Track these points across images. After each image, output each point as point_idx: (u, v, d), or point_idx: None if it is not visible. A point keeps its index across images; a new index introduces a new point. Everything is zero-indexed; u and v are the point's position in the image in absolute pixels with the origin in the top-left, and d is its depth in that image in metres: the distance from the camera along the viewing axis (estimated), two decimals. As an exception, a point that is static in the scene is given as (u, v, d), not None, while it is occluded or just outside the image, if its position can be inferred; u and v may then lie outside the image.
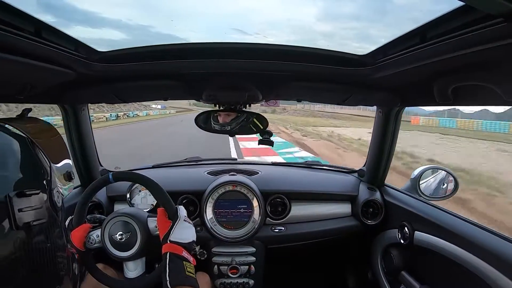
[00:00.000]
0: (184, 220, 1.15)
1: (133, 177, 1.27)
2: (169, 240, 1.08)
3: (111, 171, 1.89)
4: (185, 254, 1.07)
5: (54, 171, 0.70)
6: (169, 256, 1.04)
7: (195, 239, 1.16)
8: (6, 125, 0.62)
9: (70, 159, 0.88)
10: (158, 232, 1.15)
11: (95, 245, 1.19)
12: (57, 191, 0.66)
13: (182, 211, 1.18)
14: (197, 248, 1.18)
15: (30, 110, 0.92)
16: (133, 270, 1.19)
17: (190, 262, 1.07)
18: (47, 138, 0.81)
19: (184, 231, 1.13)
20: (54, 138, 0.88)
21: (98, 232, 1.19)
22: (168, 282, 0.99)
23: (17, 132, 0.62)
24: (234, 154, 10.10)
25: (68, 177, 0.82)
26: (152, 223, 1.18)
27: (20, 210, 0.52)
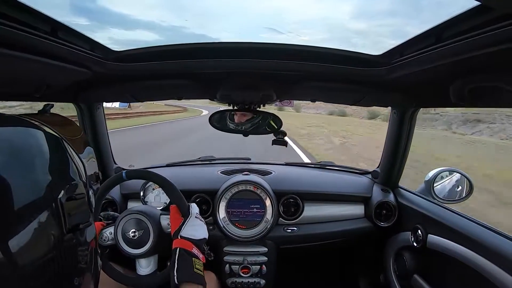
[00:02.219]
0: (196, 217, 1.16)
1: (146, 175, 1.28)
2: (180, 236, 1.08)
3: (125, 169, 1.93)
4: (195, 250, 1.07)
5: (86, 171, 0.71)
6: (178, 252, 1.05)
7: (206, 237, 1.16)
8: (43, 126, 0.61)
9: (95, 159, 0.87)
10: (170, 230, 1.16)
11: (108, 242, 1.20)
12: (92, 193, 0.67)
13: (194, 208, 1.19)
14: (205, 248, 1.19)
15: (52, 106, 0.95)
16: (145, 267, 1.21)
17: (200, 259, 1.07)
18: (72, 135, 0.82)
19: (196, 228, 1.13)
20: (79, 136, 0.88)
21: (111, 229, 1.21)
22: (175, 277, 1.00)
23: (52, 132, 0.62)
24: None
25: (96, 177, 0.82)
26: (164, 220, 1.20)
27: (70, 214, 0.52)
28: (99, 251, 1.19)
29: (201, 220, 1.18)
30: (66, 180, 0.56)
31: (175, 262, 1.03)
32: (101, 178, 0.83)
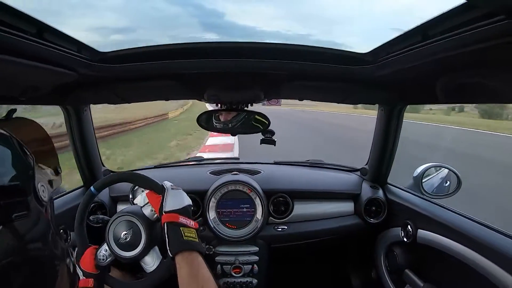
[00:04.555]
0: (172, 189, 1.14)
1: (113, 179, 1.23)
2: (164, 212, 1.07)
3: (113, 171, 1.90)
4: (182, 219, 1.05)
5: (40, 166, 0.72)
6: (166, 226, 1.03)
7: (190, 202, 1.15)
8: None
9: (56, 155, 0.89)
10: (156, 216, 1.14)
11: (107, 260, 1.15)
12: (42, 185, 0.67)
13: (167, 183, 1.17)
14: (203, 245, 1.17)
15: (15, 110, 0.93)
16: (151, 263, 1.14)
17: (189, 227, 1.05)
18: (34, 136, 0.85)
19: (175, 198, 1.11)
20: (43, 137, 0.90)
21: (104, 247, 1.16)
22: (169, 251, 0.99)
23: None
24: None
25: (55, 171, 0.83)
26: (146, 209, 1.16)
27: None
28: (103, 274, 1.15)
29: (177, 189, 1.16)
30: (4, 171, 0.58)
31: (165, 237, 1.02)
32: (60, 171, 0.84)
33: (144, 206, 1.19)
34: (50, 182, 0.75)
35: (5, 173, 0.58)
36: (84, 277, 1.11)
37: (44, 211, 0.64)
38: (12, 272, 0.53)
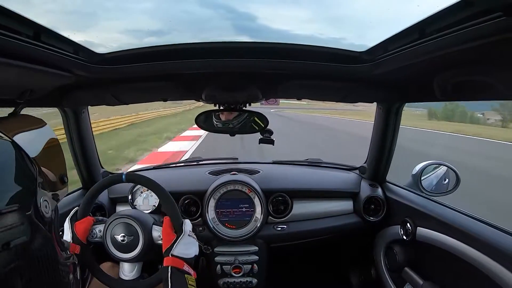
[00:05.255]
0: (189, 235, 1.17)
1: (145, 181, 1.26)
2: (171, 254, 1.09)
3: (112, 173, 1.90)
4: (186, 268, 1.09)
5: (43, 176, 0.65)
6: (170, 270, 1.06)
7: (197, 253, 1.18)
8: None
9: (63, 161, 0.82)
10: (160, 242, 1.16)
11: (96, 239, 1.20)
12: (45, 200, 0.61)
13: (187, 225, 1.19)
14: (201, 244, 1.20)
15: (23, 107, 0.92)
16: (128, 272, 1.20)
17: (191, 275, 1.09)
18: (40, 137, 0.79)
19: (188, 246, 1.14)
20: (50, 139, 0.85)
21: (101, 227, 1.20)
22: None
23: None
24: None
25: (61, 181, 0.76)
26: (156, 232, 1.19)
27: None
28: (88, 248, 1.18)
29: (193, 237, 1.19)
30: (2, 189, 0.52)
31: (168, 280, 1.04)
32: (66, 180, 0.78)
33: (155, 224, 1.22)
34: (55, 196, 0.69)
35: (2, 191, 0.52)
36: (73, 242, 1.14)
37: (46, 228, 0.59)
38: None
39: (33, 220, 0.56)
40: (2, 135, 0.58)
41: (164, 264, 1.08)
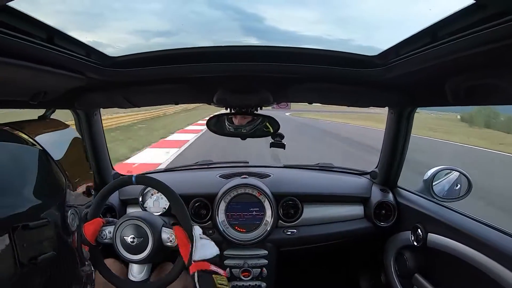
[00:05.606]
0: (201, 238, 1.18)
1: (155, 184, 1.28)
2: (194, 261, 1.11)
3: (122, 175, 1.92)
4: (213, 268, 1.10)
5: (71, 186, 0.62)
6: (197, 274, 1.08)
7: (218, 252, 1.19)
8: (21, 135, 0.54)
9: (90, 169, 0.78)
10: (169, 244, 1.19)
11: (106, 240, 1.21)
12: (72, 213, 0.59)
13: (197, 230, 1.21)
14: None
15: (53, 110, 0.93)
16: (137, 274, 1.22)
17: (221, 274, 1.10)
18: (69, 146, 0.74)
19: (205, 248, 1.16)
20: (76, 146, 0.79)
21: (110, 228, 1.21)
22: None
23: (31, 141, 0.55)
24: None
25: (88, 193, 0.73)
26: (165, 234, 1.21)
27: (23, 245, 0.44)
28: (97, 249, 1.20)
29: (206, 238, 1.20)
30: (29, 201, 0.48)
31: (196, 285, 1.06)
32: (93, 193, 0.74)
33: (164, 226, 1.23)
34: (81, 208, 0.66)
35: (34, 207, 0.49)
36: (82, 243, 1.16)
37: (70, 241, 0.58)
38: None
39: (60, 234, 0.55)
40: (32, 140, 0.55)
41: (190, 272, 1.10)
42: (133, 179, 1.24)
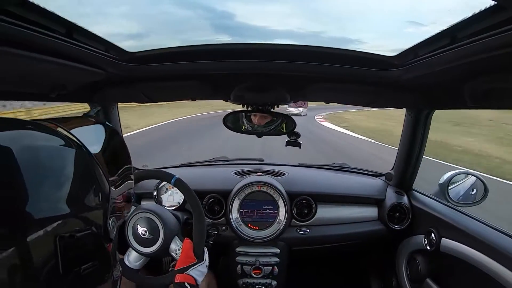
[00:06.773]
0: (206, 265, 1.22)
1: (188, 195, 1.31)
2: (187, 273, 1.15)
3: (138, 169, 1.95)
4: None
5: (113, 192, 0.58)
6: (180, 286, 1.13)
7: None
8: (60, 129, 0.51)
9: (132, 177, 0.71)
10: (173, 254, 1.22)
11: (138, 263, 1.27)
12: (113, 221, 0.56)
13: (207, 255, 1.25)
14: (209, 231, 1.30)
15: (99, 109, 0.91)
16: (133, 261, 1.26)
17: None
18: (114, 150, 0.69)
19: (202, 273, 1.20)
20: (122, 150, 0.73)
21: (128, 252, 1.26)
22: None
23: (74, 140, 0.51)
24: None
25: (128, 199, 0.67)
26: (175, 244, 1.23)
27: (68, 254, 0.43)
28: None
29: (207, 270, 1.24)
30: (76, 208, 0.46)
31: None
32: (133, 200, 0.68)
33: (178, 234, 1.26)
34: (120, 215, 0.63)
35: (81, 216, 0.47)
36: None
37: (108, 247, 0.56)
38: None
39: (102, 243, 0.53)
40: (79, 143, 0.52)
41: (178, 280, 1.13)
42: (172, 180, 1.28)
